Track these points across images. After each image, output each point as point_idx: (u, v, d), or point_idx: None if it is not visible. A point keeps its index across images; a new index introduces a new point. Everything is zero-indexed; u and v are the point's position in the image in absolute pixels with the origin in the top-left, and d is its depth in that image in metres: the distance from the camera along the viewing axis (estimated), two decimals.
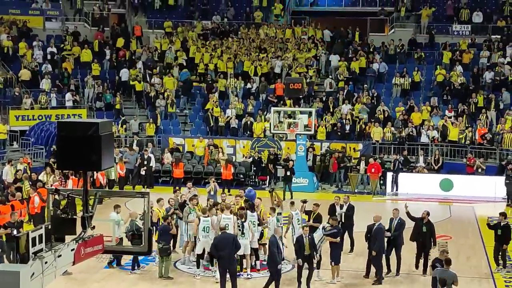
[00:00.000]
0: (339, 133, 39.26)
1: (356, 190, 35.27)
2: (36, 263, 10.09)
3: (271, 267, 19.30)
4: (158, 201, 22.35)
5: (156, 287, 20.38)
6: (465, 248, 25.00)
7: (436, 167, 35.98)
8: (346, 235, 23.09)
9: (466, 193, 34.14)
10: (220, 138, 39.29)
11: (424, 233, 21.55)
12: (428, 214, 21.73)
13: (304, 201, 23.30)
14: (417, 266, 21.73)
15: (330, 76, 44.18)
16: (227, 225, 20.54)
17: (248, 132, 40.10)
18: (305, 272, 19.85)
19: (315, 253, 20.08)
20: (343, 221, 23.02)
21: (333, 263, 20.71)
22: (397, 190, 34.99)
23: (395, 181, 35.11)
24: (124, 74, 44.19)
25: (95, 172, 29.05)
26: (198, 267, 21.45)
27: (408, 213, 21.98)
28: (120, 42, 47.63)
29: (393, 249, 21.40)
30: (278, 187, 34.42)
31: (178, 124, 42.40)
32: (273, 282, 19.12)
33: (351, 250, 23.65)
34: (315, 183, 36.07)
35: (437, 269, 17.05)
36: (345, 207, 23.54)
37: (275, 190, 24.29)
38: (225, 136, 39.99)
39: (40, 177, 29.10)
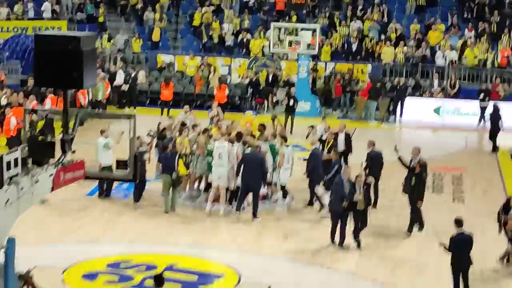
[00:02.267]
0: (343, 54, 39.10)
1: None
2: (11, 188, 10.13)
3: (334, 209, 18.90)
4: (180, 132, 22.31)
5: (149, 218, 20.62)
6: (482, 182, 25.17)
7: (452, 92, 35.91)
8: None
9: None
10: (214, 56, 39.09)
11: (413, 187, 19.67)
12: (421, 165, 19.55)
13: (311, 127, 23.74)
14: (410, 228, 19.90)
15: None
16: (220, 154, 20.65)
17: (245, 50, 39.87)
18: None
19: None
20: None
21: None
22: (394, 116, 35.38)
23: (394, 108, 35.37)
24: None
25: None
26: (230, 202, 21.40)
27: (400, 158, 19.98)
28: None
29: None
30: (277, 112, 34.47)
31: (168, 40, 42.12)
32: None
33: None
34: (318, 108, 36.05)
35: None
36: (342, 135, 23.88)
37: (277, 117, 24.34)
38: (219, 54, 39.78)
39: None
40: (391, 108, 35.57)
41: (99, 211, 21.01)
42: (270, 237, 19.58)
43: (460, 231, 15.85)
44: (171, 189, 20.96)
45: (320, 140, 23.20)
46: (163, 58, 39.09)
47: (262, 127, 22.94)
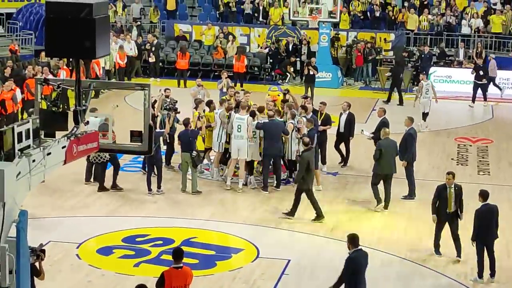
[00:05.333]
0: (361, 23, 38.89)
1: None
2: (22, 161, 10.09)
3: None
4: (208, 104, 22.14)
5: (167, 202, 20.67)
6: (508, 154, 25.03)
7: (478, 61, 35.58)
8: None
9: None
10: (232, 25, 38.95)
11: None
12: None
13: (305, 97, 23.22)
14: None
15: None
16: (239, 126, 20.56)
17: (264, 19, 39.69)
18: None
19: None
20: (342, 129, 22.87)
21: None
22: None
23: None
24: None
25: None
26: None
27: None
28: None
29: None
30: (297, 84, 34.43)
31: (185, 9, 41.99)
32: None
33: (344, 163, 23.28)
34: (340, 78, 35.88)
35: None
36: (344, 116, 22.94)
37: (290, 91, 23.90)
38: (238, 23, 39.64)
39: None
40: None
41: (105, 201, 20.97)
42: None
43: (485, 203, 15.74)
44: (189, 169, 20.65)
45: (314, 110, 22.36)
46: (180, 27, 38.93)
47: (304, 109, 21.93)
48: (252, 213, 19.43)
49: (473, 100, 32.25)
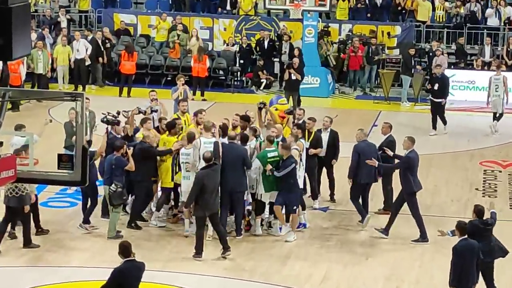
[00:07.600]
0: (368, 14, 39.18)
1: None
2: None
3: None
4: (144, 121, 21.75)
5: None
6: None
7: (509, 62, 35.92)
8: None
9: None
10: (190, 15, 39.04)
11: None
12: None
13: (290, 112, 23.00)
14: None
15: None
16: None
17: (232, 8, 39.87)
18: None
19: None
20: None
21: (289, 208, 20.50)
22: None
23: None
24: None
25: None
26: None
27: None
28: None
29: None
30: (276, 92, 34.51)
31: None
32: None
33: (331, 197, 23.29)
34: (331, 84, 36.03)
35: None
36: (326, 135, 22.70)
37: (267, 105, 23.60)
38: (198, 13, 39.74)
39: None
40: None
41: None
42: (262, 260, 19.60)
43: (464, 237, 15.83)
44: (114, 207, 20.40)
45: (300, 126, 21.88)
46: (122, 18, 38.98)
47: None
48: (217, 261, 19.43)
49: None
